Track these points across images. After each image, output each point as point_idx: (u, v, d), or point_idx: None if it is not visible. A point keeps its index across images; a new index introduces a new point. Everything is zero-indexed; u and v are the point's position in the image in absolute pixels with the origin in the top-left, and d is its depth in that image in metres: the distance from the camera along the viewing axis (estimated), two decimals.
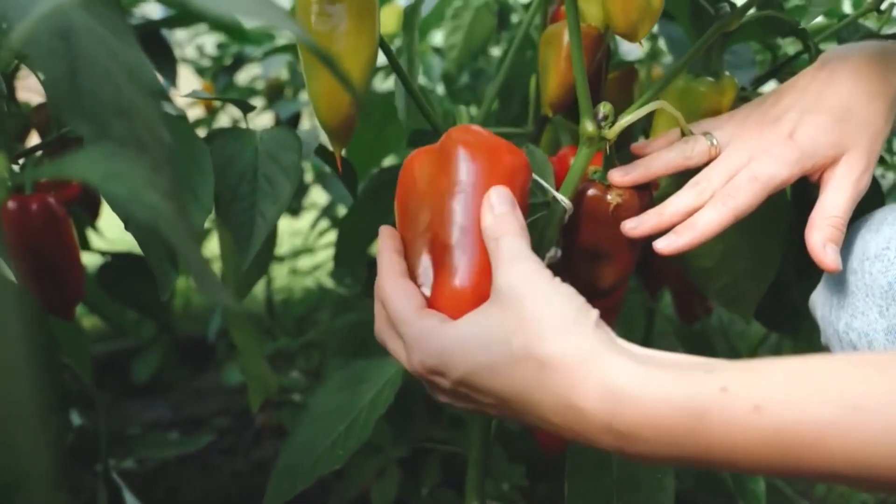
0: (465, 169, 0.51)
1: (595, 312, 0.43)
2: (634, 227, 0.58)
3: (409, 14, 0.69)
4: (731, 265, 0.69)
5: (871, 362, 0.37)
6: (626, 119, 0.57)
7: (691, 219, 0.57)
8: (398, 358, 0.48)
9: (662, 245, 0.57)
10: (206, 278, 0.27)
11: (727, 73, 0.69)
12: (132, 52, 0.33)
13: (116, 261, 0.88)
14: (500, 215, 0.48)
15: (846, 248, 0.60)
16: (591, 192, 0.60)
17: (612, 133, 0.57)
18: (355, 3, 0.52)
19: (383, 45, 0.58)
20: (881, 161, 1.40)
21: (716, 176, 0.58)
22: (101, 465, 0.89)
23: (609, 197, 0.59)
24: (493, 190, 0.49)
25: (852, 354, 0.39)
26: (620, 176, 0.60)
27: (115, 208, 0.45)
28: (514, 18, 1.18)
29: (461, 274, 0.48)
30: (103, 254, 0.91)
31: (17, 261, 0.70)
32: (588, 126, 0.57)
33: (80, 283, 0.75)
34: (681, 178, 0.61)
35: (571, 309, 0.42)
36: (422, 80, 1.32)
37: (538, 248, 0.59)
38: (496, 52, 1.25)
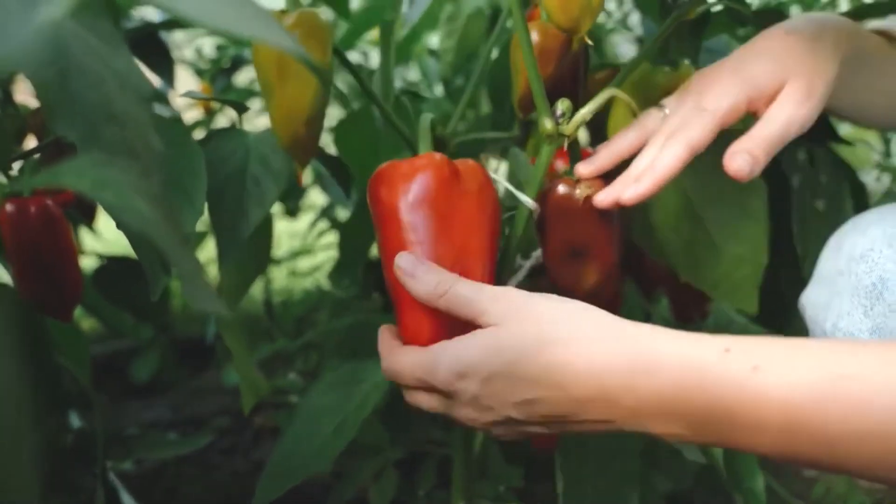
0: (375, 218, 0.54)
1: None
2: (604, 197, 0.59)
3: (385, 32, 0.68)
4: (719, 252, 0.68)
5: (870, 345, 0.39)
6: (583, 113, 0.57)
7: (650, 164, 0.58)
8: (432, 407, 0.50)
9: (628, 195, 0.57)
10: (196, 285, 0.27)
11: (686, 61, 0.70)
12: (123, 59, 0.33)
13: (112, 264, 0.88)
14: (421, 277, 0.49)
15: (835, 249, 0.61)
16: (560, 188, 0.60)
17: (570, 129, 0.57)
18: (305, 31, 0.54)
19: (351, 67, 0.60)
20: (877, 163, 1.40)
21: (668, 127, 0.59)
22: (98, 467, 0.89)
23: (577, 191, 0.60)
24: (397, 259, 0.51)
25: (854, 341, 0.40)
26: (585, 166, 0.61)
27: (108, 213, 0.45)
28: (510, 23, 1.18)
29: (403, 330, 0.53)
30: (100, 256, 0.92)
31: (15, 263, 0.71)
32: (546, 124, 0.57)
33: (78, 286, 0.75)
34: None
35: (569, 301, 0.46)
36: (417, 77, 1.32)
37: (506, 249, 0.60)
38: (494, 53, 1.25)
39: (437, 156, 0.53)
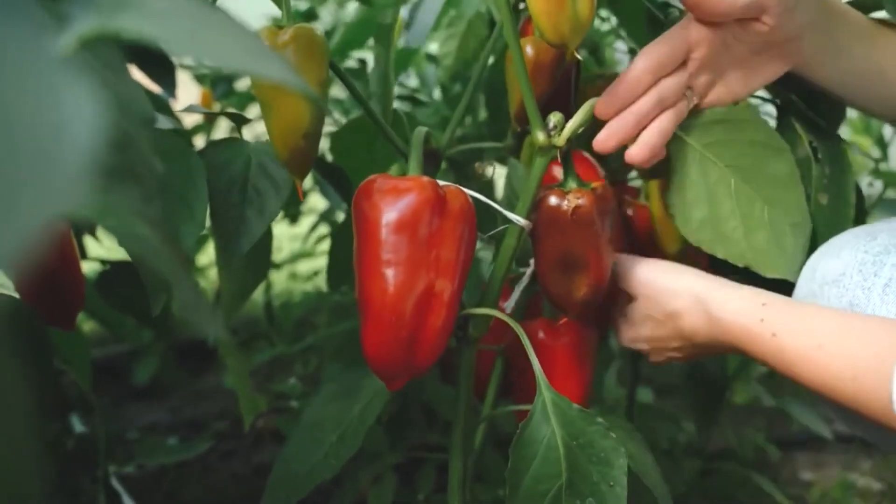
0: (356, 228, 0.55)
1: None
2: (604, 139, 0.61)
3: (384, 32, 0.68)
4: (751, 222, 0.65)
5: (869, 322, 0.53)
6: (572, 124, 0.58)
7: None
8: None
9: (632, 152, 0.61)
10: (196, 308, 0.28)
11: None
12: (126, 82, 0.34)
13: (114, 269, 0.89)
14: None
15: (811, 271, 0.62)
16: (550, 199, 0.61)
17: (561, 140, 0.58)
18: (301, 46, 0.55)
19: (346, 80, 0.61)
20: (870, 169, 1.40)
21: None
22: (99, 471, 0.90)
23: (566, 203, 0.60)
24: None
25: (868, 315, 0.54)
26: (601, 139, 0.60)
27: (113, 237, 0.46)
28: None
29: (364, 340, 0.55)
30: (102, 262, 0.92)
31: (17, 272, 0.71)
32: (539, 136, 0.58)
33: (81, 295, 0.76)
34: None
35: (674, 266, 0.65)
36: (416, 83, 1.33)
37: (499, 263, 0.61)
38: (490, 59, 1.26)
39: (425, 180, 0.54)
